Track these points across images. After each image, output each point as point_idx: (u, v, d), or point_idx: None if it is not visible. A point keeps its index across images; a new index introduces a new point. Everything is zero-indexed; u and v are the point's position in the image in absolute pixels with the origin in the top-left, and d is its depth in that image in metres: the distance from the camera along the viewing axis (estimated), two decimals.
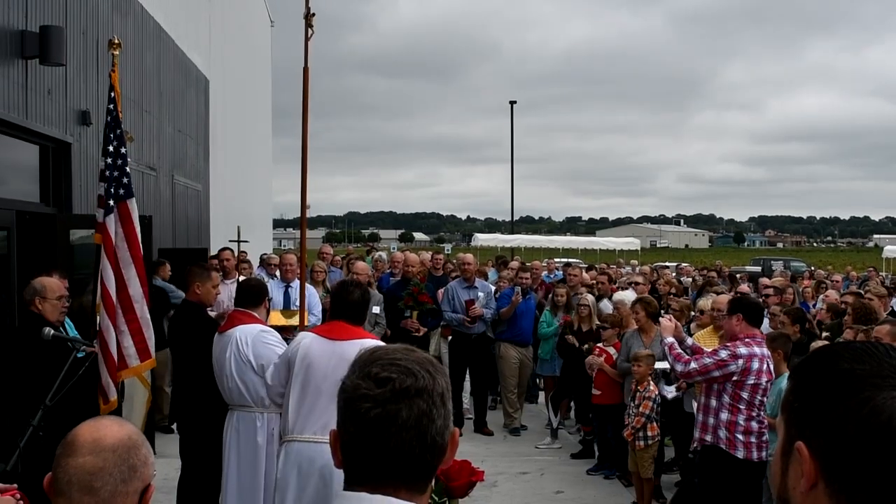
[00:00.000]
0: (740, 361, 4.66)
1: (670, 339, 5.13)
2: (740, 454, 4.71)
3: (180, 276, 7.29)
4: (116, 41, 5.32)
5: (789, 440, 1.03)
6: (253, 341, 4.53)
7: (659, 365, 6.38)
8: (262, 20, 24.09)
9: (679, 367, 4.94)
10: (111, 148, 5.04)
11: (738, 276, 16.41)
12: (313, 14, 5.18)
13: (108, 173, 4.99)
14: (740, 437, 4.71)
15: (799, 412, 1.02)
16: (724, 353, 4.72)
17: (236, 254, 9.41)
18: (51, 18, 7.58)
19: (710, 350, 5.01)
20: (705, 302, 7.35)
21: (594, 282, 9.94)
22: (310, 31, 5.19)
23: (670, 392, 6.44)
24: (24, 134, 7.49)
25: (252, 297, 4.75)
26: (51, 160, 8.10)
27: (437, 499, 3.05)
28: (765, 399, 4.79)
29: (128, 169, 5.13)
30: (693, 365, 4.82)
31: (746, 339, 4.74)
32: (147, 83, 11.02)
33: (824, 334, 6.69)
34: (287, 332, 7.15)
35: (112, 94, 5.12)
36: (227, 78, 16.83)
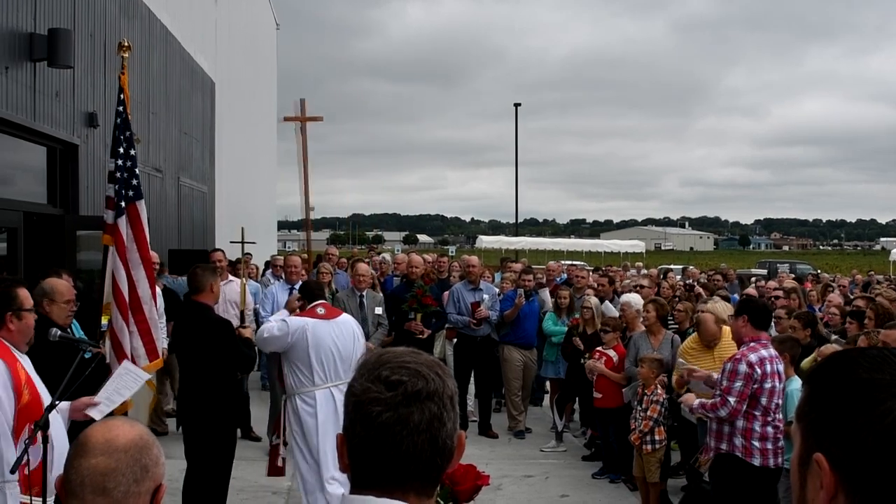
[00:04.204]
0: (757, 369, 4.55)
1: (696, 403, 4.92)
2: (756, 461, 4.57)
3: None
4: (126, 44, 5.36)
5: (807, 451, 1.01)
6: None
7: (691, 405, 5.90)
8: (268, 23, 24.14)
9: (723, 413, 4.65)
10: (121, 150, 5.06)
11: (752, 278, 16.45)
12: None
13: (118, 175, 5.01)
14: (756, 443, 4.58)
15: (817, 423, 1.00)
16: (742, 369, 4.55)
17: (242, 255, 9.38)
18: (59, 21, 7.61)
19: (724, 373, 4.72)
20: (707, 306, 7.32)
21: (595, 284, 9.90)
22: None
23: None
24: (31, 135, 7.53)
25: (315, 296, 5.68)
26: (58, 162, 8.14)
27: (442, 503, 3.05)
28: (779, 403, 4.65)
29: (137, 170, 5.15)
30: (731, 401, 4.58)
31: (752, 344, 4.63)
32: (154, 86, 11.06)
33: (833, 337, 6.65)
34: None
35: (121, 96, 5.15)
36: (232, 80, 16.86)
